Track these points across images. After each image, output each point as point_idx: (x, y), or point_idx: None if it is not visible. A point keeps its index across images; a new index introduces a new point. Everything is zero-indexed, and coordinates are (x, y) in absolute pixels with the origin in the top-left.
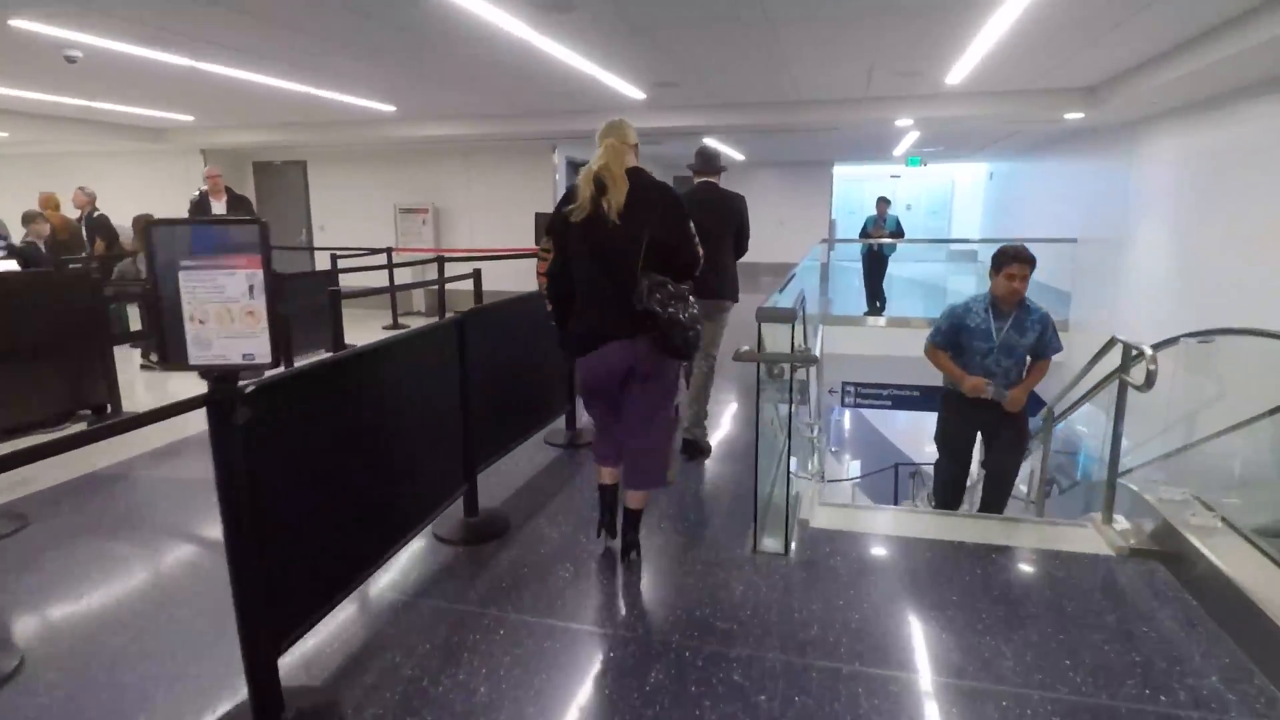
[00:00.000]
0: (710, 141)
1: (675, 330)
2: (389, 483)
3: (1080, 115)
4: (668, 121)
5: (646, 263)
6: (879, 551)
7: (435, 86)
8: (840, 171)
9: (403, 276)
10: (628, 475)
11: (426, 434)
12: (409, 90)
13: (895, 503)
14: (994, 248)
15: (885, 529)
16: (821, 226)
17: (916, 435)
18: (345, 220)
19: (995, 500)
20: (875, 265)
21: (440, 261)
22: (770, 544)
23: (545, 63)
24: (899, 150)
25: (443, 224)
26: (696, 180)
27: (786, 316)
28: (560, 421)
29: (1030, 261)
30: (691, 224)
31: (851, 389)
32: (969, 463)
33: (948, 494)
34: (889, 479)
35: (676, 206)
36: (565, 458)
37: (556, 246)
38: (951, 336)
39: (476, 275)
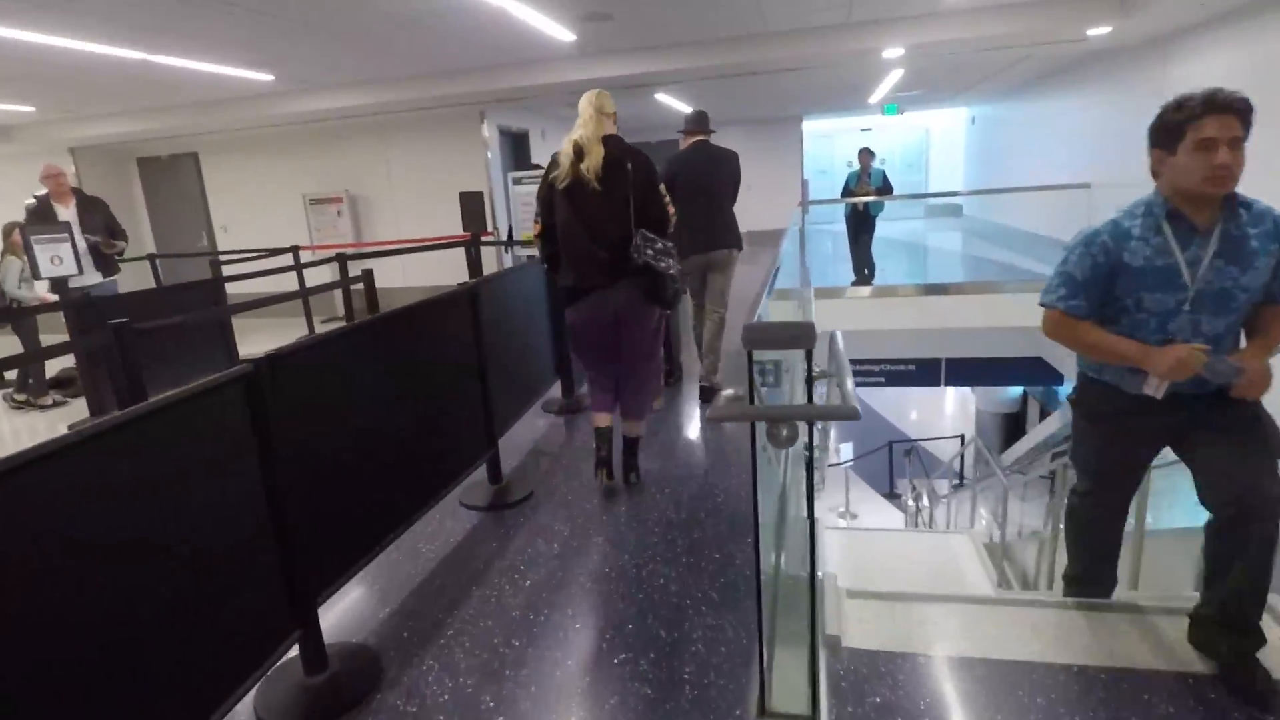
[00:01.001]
0: (664, 97)
1: (666, 282)
2: (418, 445)
3: (1106, 30)
4: (605, 70)
5: (637, 221)
6: (978, 692)
7: (320, 46)
8: (808, 127)
9: (321, 276)
10: (625, 409)
11: (450, 400)
12: (287, 53)
13: (890, 485)
14: (993, 199)
15: (983, 640)
16: (793, 189)
17: (903, 407)
18: (249, 218)
19: (1237, 551)
20: (861, 228)
21: (341, 260)
22: (787, 701)
23: (445, 3)
24: (876, 97)
25: (362, 214)
26: (690, 140)
27: (800, 339)
28: (556, 390)
29: (1244, 112)
30: (661, 185)
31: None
32: (1133, 492)
33: (1096, 545)
34: (882, 459)
35: (647, 169)
36: (564, 424)
37: (544, 210)
38: (1099, 290)
39: (368, 278)
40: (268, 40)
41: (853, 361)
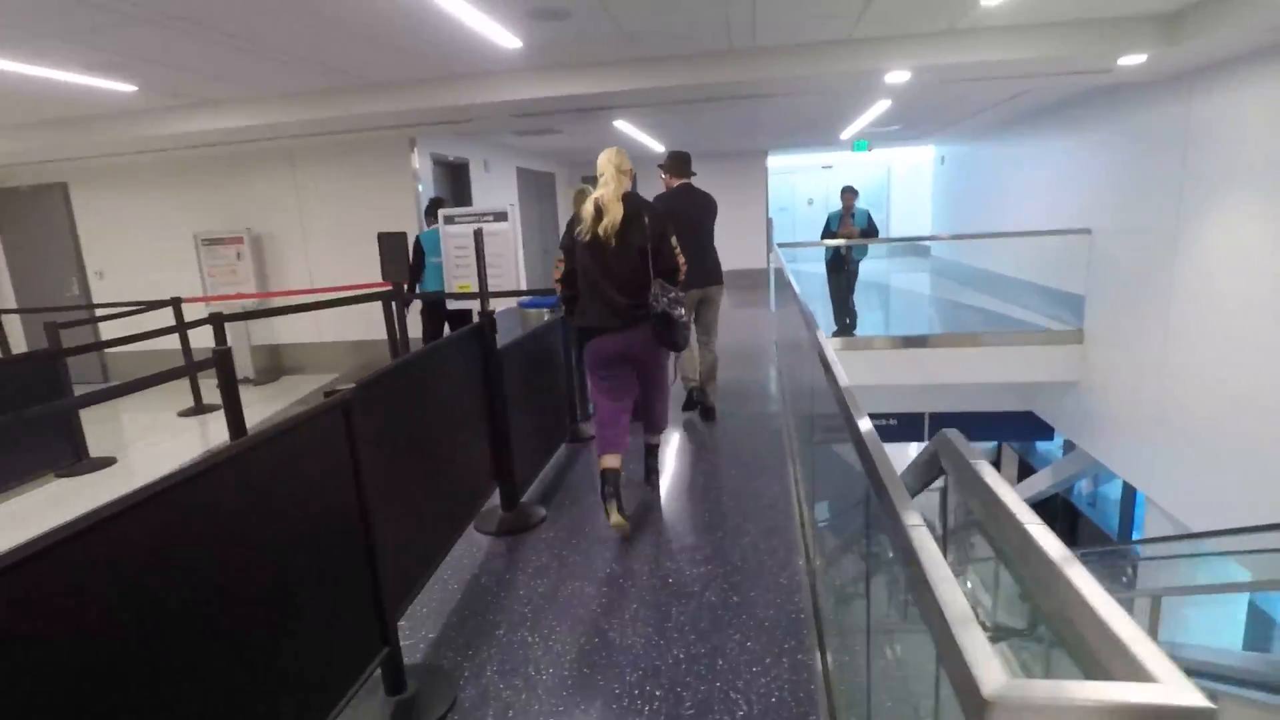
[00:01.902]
0: (624, 125)
1: (678, 328)
2: (451, 477)
3: (1140, 59)
4: (558, 87)
5: (654, 270)
6: None
7: (197, 48)
8: (768, 163)
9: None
10: (647, 426)
11: (469, 437)
12: (153, 55)
13: (867, 543)
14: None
15: None
16: (756, 227)
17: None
18: (130, 261)
19: None
20: (842, 270)
21: (218, 321)
22: None
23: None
24: (849, 132)
25: (268, 257)
26: (676, 182)
27: None
28: None
29: None
30: (673, 236)
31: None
32: None
33: None
34: (859, 514)
35: (660, 223)
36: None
37: (567, 259)
38: None
39: (217, 322)
40: (122, 36)
41: (826, 416)
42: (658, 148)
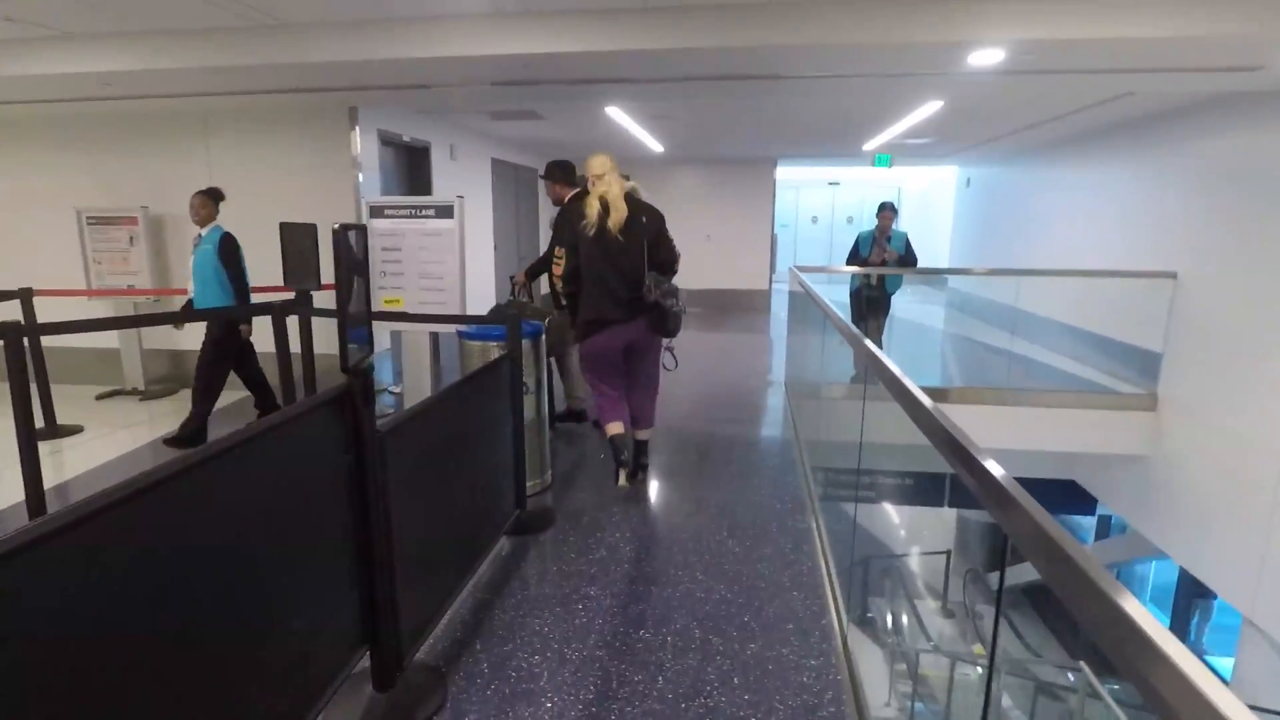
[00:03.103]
0: (617, 114)
1: (673, 319)
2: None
3: None
4: (536, 42)
5: (650, 264)
6: None
7: None
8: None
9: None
10: (638, 420)
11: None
12: None
13: (864, 609)
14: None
15: None
16: (759, 245)
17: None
18: (6, 241)
19: None
20: (872, 308)
21: (8, 336)
22: None
23: None
24: (876, 141)
25: (170, 242)
26: (566, 192)
27: None
28: None
29: None
30: (668, 231)
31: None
32: None
33: None
34: (856, 577)
35: (659, 220)
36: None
37: (569, 254)
38: None
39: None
40: None
41: (834, 471)
42: (655, 147)
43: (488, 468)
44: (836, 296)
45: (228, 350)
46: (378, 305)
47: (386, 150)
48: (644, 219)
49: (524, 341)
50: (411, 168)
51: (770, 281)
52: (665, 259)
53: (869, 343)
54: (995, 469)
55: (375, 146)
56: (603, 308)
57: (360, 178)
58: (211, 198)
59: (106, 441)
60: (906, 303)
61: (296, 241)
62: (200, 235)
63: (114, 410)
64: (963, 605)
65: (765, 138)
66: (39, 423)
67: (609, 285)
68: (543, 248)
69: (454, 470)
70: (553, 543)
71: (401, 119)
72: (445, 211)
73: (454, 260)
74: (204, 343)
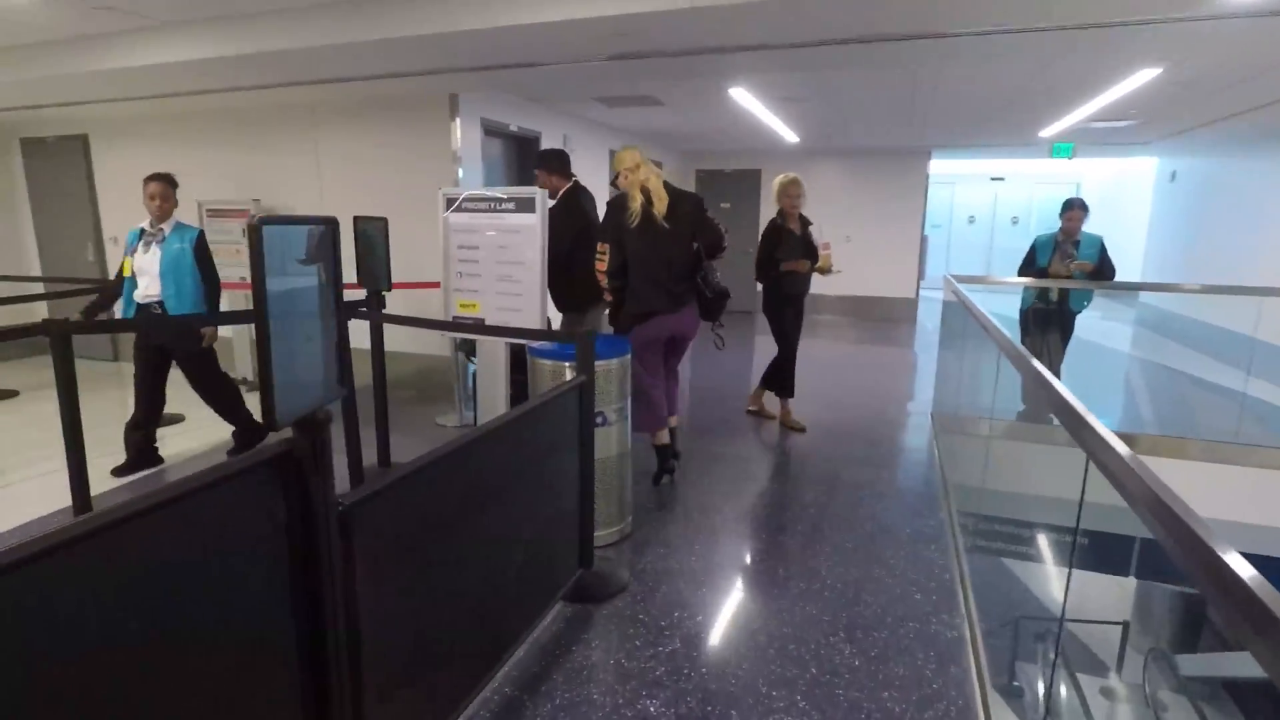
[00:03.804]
0: (742, 96)
1: (724, 301)
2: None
3: None
4: (630, 1)
5: (705, 249)
6: None
7: None
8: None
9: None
10: (670, 404)
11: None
12: None
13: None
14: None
15: None
16: (908, 247)
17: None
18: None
19: None
20: (1049, 326)
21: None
22: None
23: None
24: (1059, 126)
25: None
26: (561, 185)
27: None
28: None
29: None
30: (710, 212)
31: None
32: None
33: None
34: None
35: (699, 206)
36: None
37: (615, 248)
38: None
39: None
40: None
41: (987, 519)
42: (789, 137)
43: (539, 522)
44: (1001, 311)
45: (208, 353)
46: (454, 310)
47: (493, 141)
48: (685, 206)
49: (612, 362)
50: (521, 160)
51: (918, 289)
52: (712, 241)
53: (1046, 373)
54: (1240, 567)
55: (478, 136)
56: (652, 299)
57: (460, 171)
58: (173, 185)
59: (206, 431)
60: (1088, 321)
61: (369, 237)
62: (162, 230)
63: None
64: (1141, 690)
65: (917, 124)
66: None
67: (657, 276)
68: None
69: (484, 533)
70: (618, 619)
71: (508, 107)
72: (526, 205)
73: (534, 261)
74: (189, 362)
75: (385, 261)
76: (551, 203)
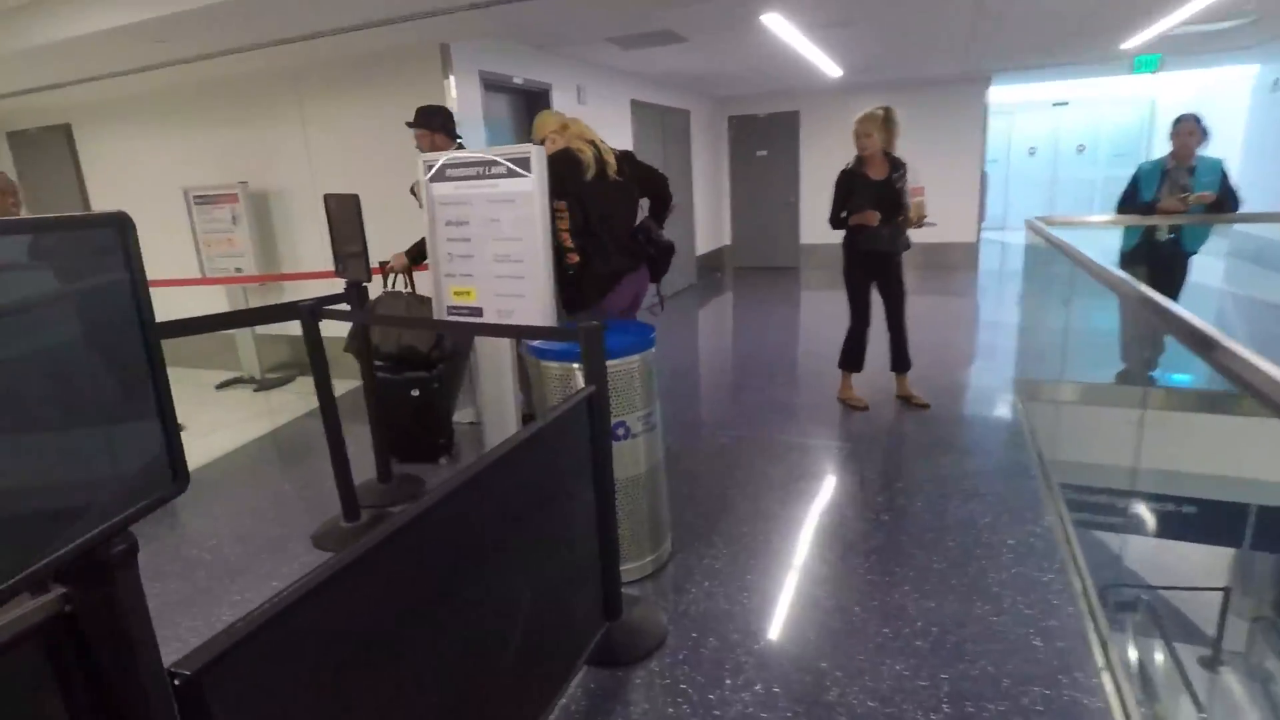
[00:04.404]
0: (776, 22)
1: (670, 257)
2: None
3: None
4: None
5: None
6: None
7: None
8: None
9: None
10: None
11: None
12: None
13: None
14: None
15: None
16: (967, 186)
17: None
18: (137, 223)
19: None
20: (1160, 270)
21: None
22: None
23: None
24: (1147, 35)
25: (277, 219)
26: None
27: None
28: None
29: None
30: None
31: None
32: None
33: None
34: None
35: (634, 158)
36: None
37: (575, 206)
38: None
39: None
40: None
41: (1084, 489)
42: (830, 71)
43: (544, 580)
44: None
45: None
46: (448, 299)
47: (496, 98)
48: (627, 158)
49: (633, 359)
50: (529, 117)
51: (979, 232)
52: (662, 194)
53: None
54: None
55: (478, 93)
56: (616, 258)
57: (460, 135)
58: None
59: (206, 443)
60: (1205, 262)
61: (343, 218)
62: None
63: (226, 402)
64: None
65: (976, 47)
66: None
67: (616, 233)
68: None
69: (463, 618)
70: (655, 687)
71: (511, 58)
72: (519, 166)
73: (534, 236)
74: None
75: (362, 247)
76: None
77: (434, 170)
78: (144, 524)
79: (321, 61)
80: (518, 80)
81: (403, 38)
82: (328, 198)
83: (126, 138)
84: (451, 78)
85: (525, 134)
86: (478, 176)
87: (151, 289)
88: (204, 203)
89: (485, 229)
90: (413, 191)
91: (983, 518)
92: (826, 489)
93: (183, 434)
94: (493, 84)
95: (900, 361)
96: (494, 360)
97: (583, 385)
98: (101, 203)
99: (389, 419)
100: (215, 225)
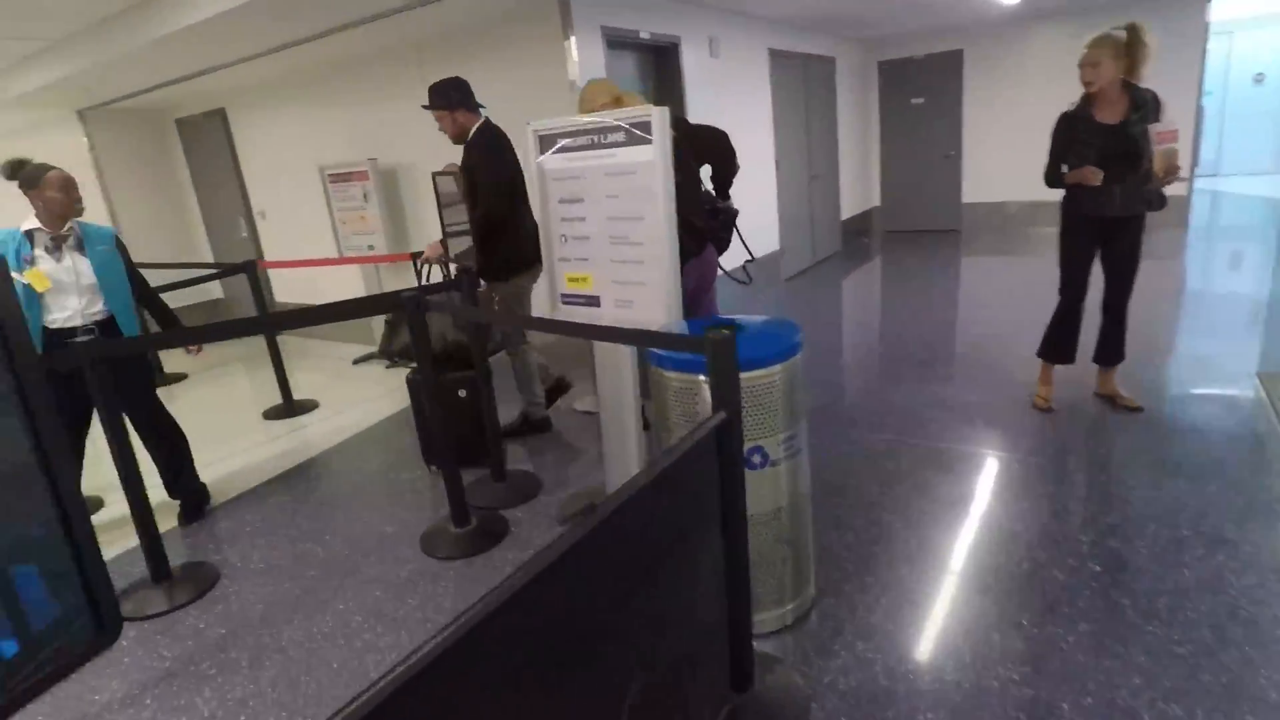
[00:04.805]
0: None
1: (733, 227)
2: None
3: None
4: None
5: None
6: None
7: None
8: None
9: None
10: None
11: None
12: None
13: None
14: None
15: None
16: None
17: None
18: (283, 201)
19: None
20: None
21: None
22: None
23: None
24: None
25: (404, 193)
26: (472, 122)
27: None
28: None
29: None
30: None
31: None
32: None
33: None
34: None
35: (701, 125)
36: None
37: None
38: None
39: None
40: None
41: None
42: (1006, 0)
43: (659, 649)
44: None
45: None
46: (562, 285)
47: (621, 56)
48: (683, 125)
49: (773, 369)
50: (658, 74)
51: (1191, 182)
52: (725, 156)
53: None
54: None
55: (601, 53)
56: (686, 241)
57: (574, 82)
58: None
59: (336, 422)
60: None
61: (451, 197)
62: (75, 228)
63: (360, 379)
64: None
65: None
66: (278, 399)
67: (687, 212)
68: (776, 166)
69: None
70: None
71: (634, 9)
72: (640, 132)
73: (656, 214)
74: (145, 399)
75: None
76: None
77: (542, 140)
78: (265, 505)
79: (440, 32)
80: (644, 35)
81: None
82: (436, 176)
83: (271, 120)
84: (573, 38)
85: (651, 92)
86: (592, 145)
87: (294, 270)
88: (338, 180)
89: (601, 206)
90: (439, 177)
91: (1237, 576)
92: (1011, 520)
93: (315, 411)
94: (616, 40)
95: (1112, 352)
96: (612, 355)
97: (709, 403)
98: (254, 183)
99: (437, 423)
100: (349, 203)
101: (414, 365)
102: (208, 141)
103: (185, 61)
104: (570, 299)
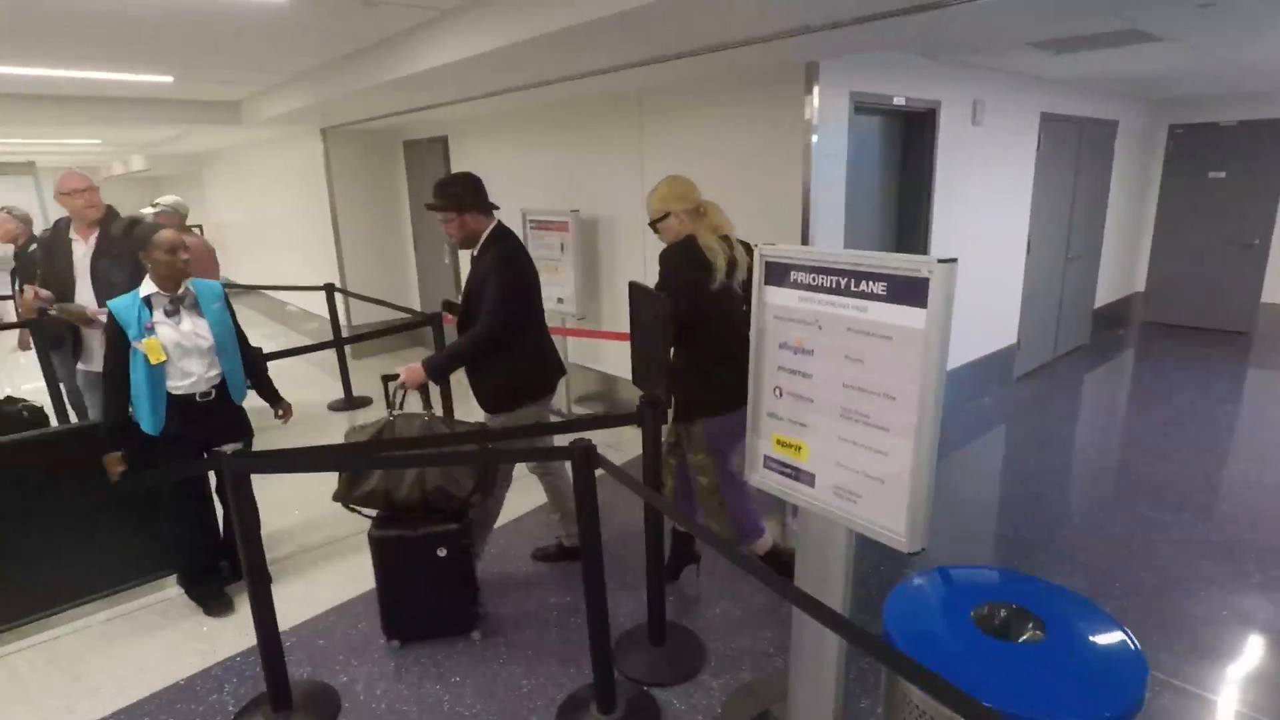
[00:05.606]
0: None
1: None
2: None
3: None
4: None
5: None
6: None
7: None
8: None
9: None
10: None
11: None
12: None
13: None
14: None
15: None
16: None
17: None
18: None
19: None
20: None
21: None
22: None
23: None
24: None
25: (602, 249)
26: (484, 225)
27: None
28: None
29: None
30: None
31: None
32: None
33: None
34: None
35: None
36: None
37: (690, 310)
38: None
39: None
40: None
41: None
42: None
43: None
44: None
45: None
46: (766, 446)
47: (867, 123)
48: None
49: None
50: (904, 143)
51: None
52: None
53: None
54: None
55: (845, 117)
56: (736, 385)
57: (813, 156)
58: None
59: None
60: None
61: (649, 317)
62: (189, 289)
63: None
64: None
65: None
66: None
67: (737, 354)
68: (1028, 248)
69: None
70: None
71: (890, 73)
72: (907, 289)
73: (915, 396)
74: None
75: (665, 356)
76: (472, 252)
77: (769, 267)
78: None
79: (668, 82)
80: (897, 100)
81: (763, 55)
82: (633, 286)
83: (485, 153)
84: (815, 93)
85: (897, 161)
86: (836, 290)
87: None
88: (538, 228)
89: (838, 368)
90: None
91: None
92: None
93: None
94: (865, 106)
95: None
96: (824, 549)
97: None
98: None
99: (405, 588)
100: (545, 252)
101: (377, 514)
102: (428, 165)
103: (411, 98)
104: (773, 462)
